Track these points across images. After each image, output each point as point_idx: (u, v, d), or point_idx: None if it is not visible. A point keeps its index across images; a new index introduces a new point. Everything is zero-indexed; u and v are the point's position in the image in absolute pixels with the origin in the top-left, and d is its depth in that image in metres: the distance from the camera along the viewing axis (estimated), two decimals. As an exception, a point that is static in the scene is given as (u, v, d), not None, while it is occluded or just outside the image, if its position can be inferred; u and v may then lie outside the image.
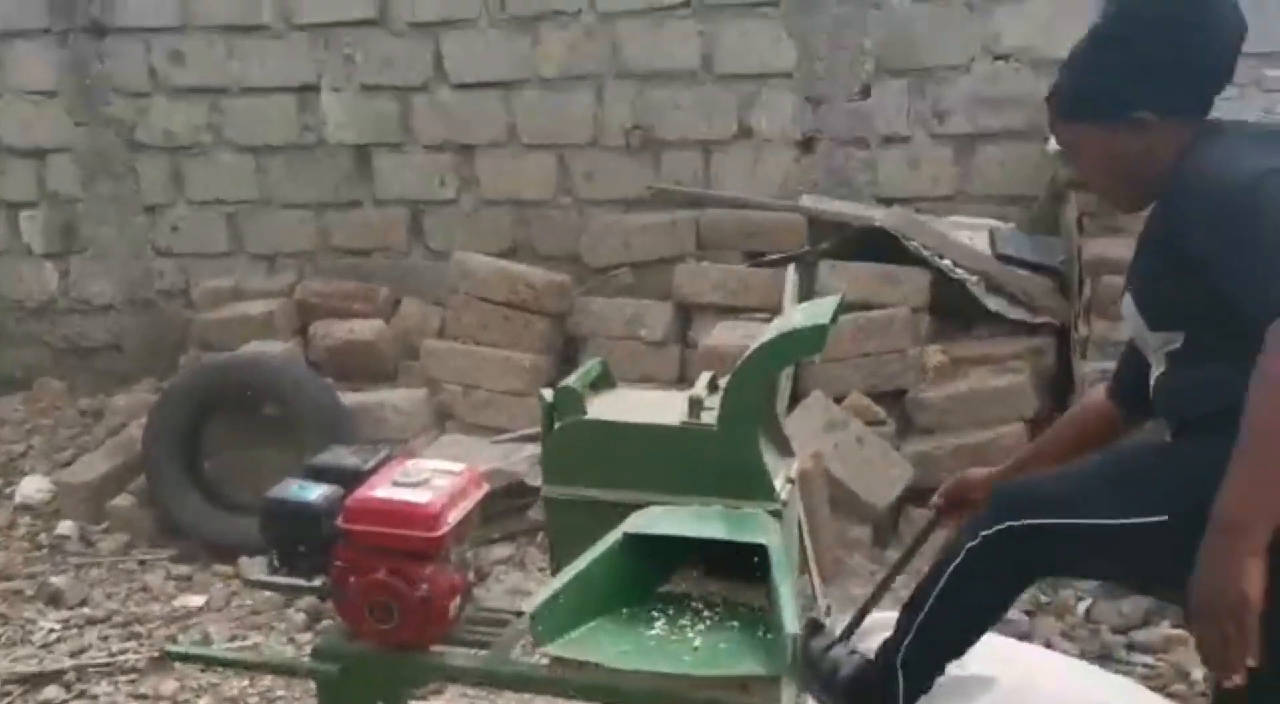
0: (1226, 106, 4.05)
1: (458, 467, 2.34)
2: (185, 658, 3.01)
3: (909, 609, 2.01)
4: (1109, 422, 2.12)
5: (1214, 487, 1.58)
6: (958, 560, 1.89)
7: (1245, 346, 1.60)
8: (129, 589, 3.92)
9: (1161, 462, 1.85)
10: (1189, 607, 1.60)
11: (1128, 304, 1.95)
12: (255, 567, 3.87)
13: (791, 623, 1.70)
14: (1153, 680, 2.99)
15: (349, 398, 4.42)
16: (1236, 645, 1.55)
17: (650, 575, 2.02)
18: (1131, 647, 3.22)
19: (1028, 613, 3.44)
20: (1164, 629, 3.24)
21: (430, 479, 2.24)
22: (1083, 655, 3.03)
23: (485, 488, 2.35)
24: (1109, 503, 1.78)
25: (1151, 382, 1.92)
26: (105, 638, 3.62)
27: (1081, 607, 3.39)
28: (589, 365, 2.30)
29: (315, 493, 2.23)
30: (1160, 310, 1.87)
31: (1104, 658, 3.13)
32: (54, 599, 3.83)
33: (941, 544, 2.07)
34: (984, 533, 1.85)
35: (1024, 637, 3.09)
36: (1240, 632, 1.54)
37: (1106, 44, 1.89)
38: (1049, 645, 3.13)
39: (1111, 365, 2.18)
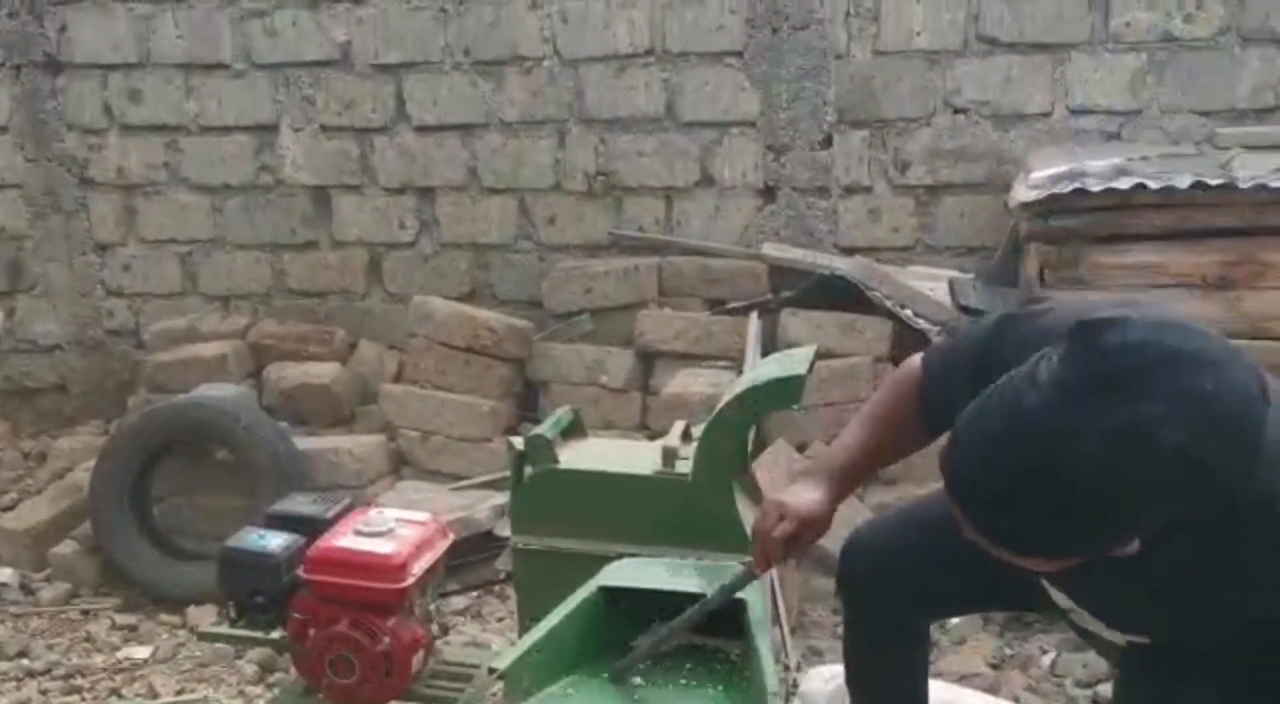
0: (1184, 163, 4.12)
1: (422, 516, 2.29)
2: (131, 713, 2.89)
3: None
4: (915, 438, 1.79)
5: None
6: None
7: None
8: (71, 640, 3.78)
9: None
10: None
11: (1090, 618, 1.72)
12: (205, 617, 3.76)
13: (772, 681, 1.66)
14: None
15: (304, 442, 4.33)
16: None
17: (621, 629, 1.96)
18: (1096, 701, 3.20)
19: (993, 666, 3.42)
20: (1128, 682, 3.22)
21: (394, 529, 2.19)
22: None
23: (450, 537, 2.31)
24: None
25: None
26: (45, 691, 3.48)
27: (1046, 660, 3.37)
28: (559, 413, 2.26)
29: (275, 542, 2.18)
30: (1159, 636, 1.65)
31: (1069, 712, 3.10)
32: (-9, 650, 3.69)
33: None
34: None
35: (991, 690, 3.07)
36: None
37: (1086, 502, 1.30)
38: (1016, 701, 3.10)
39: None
